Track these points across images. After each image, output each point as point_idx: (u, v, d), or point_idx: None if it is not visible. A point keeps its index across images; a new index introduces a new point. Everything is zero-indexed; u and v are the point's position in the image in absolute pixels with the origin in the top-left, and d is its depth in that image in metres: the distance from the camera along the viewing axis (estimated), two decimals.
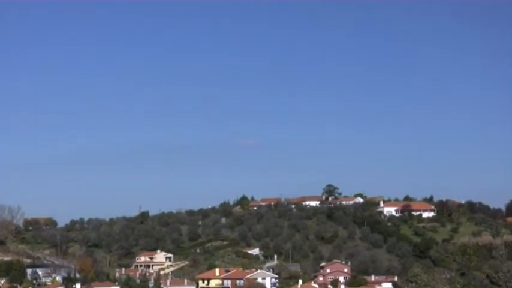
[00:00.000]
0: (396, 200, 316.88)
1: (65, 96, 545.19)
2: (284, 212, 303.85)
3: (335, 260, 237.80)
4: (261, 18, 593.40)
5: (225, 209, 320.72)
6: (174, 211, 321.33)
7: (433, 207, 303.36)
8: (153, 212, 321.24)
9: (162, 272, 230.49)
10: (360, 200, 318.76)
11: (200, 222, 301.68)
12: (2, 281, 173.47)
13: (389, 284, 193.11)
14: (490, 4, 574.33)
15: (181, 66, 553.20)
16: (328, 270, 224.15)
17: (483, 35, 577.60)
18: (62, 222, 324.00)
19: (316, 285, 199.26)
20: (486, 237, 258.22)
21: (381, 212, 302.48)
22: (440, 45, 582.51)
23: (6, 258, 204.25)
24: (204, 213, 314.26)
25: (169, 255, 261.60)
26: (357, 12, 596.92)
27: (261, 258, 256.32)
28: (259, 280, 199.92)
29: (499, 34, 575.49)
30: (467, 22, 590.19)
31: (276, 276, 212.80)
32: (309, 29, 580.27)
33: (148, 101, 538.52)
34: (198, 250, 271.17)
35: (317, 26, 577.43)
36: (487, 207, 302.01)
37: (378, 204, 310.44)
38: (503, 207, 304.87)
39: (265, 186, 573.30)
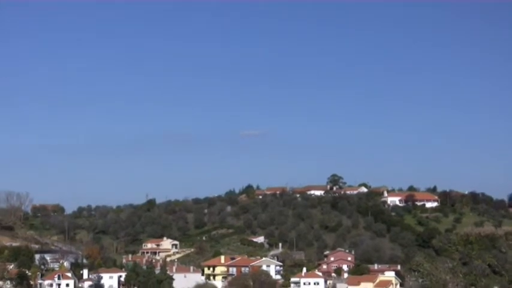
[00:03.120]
0: (400, 190, 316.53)
1: (72, 88, 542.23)
2: (289, 201, 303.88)
3: (339, 249, 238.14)
4: (269, 13, 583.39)
5: (230, 197, 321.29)
6: (181, 199, 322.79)
7: (436, 197, 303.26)
8: (159, 200, 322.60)
9: (168, 259, 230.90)
10: (364, 189, 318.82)
11: (206, 211, 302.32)
12: (11, 266, 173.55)
13: (392, 273, 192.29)
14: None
15: (190, 59, 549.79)
16: (332, 259, 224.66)
17: (485, 31, 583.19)
18: (69, 209, 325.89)
19: (320, 273, 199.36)
20: (488, 228, 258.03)
21: (385, 202, 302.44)
22: (439, 37, 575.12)
23: (14, 244, 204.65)
24: (209, 202, 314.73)
25: (176, 242, 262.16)
26: (356, 10, 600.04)
27: (266, 246, 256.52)
28: (264, 268, 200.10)
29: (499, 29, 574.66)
30: (460, 17, 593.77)
31: (281, 264, 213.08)
32: (313, 24, 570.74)
33: (156, 92, 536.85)
34: (203, 238, 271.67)
35: (320, 23, 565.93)
36: (489, 198, 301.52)
37: (382, 194, 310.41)
38: (505, 198, 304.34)
39: (271, 175, 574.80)
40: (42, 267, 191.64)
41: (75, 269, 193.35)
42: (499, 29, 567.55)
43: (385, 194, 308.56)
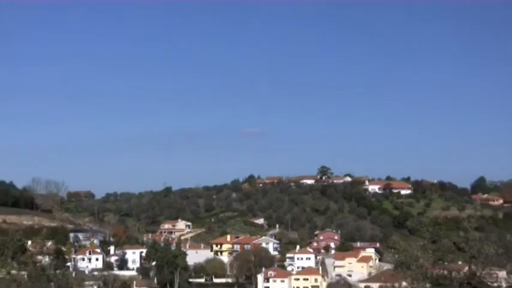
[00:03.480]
0: (379, 179, 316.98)
1: (101, 88, 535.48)
2: (285, 189, 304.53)
3: (327, 229, 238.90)
4: (266, 17, 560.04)
5: (235, 185, 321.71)
6: (193, 187, 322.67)
7: (409, 185, 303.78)
8: (175, 187, 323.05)
9: (182, 238, 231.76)
10: (348, 179, 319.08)
11: (215, 197, 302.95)
12: (49, 243, 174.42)
13: (372, 250, 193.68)
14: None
15: (195, 61, 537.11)
16: (321, 238, 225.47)
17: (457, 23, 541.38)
18: (99, 195, 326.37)
19: (311, 250, 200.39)
20: (453, 212, 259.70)
21: (366, 190, 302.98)
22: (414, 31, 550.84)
23: (52, 224, 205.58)
24: (217, 189, 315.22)
25: (189, 223, 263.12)
26: (348, 11, 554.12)
27: (265, 226, 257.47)
28: (264, 245, 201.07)
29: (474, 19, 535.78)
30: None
31: (278, 241, 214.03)
32: (307, 27, 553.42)
33: (171, 94, 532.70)
34: (212, 220, 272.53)
35: (313, 25, 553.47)
36: (455, 186, 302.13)
37: (364, 182, 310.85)
38: (468, 187, 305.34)
39: (269, 167, 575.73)
40: (76, 244, 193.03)
41: (104, 246, 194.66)
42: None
43: (366, 182, 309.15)
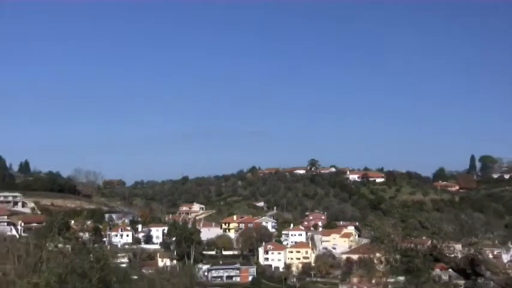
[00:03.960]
0: (358, 169, 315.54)
1: (134, 91, 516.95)
2: (281, 178, 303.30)
3: (315, 211, 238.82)
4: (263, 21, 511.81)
5: (240, 175, 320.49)
6: (206, 176, 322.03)
7: (383, 175, 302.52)
8: (191, 176, 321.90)
9: (197, 218, 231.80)
10: (333, 169, 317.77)
11: (223, 184, 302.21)
12: (88, 222, 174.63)
13: (353, 227, 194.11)
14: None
15: (196, 65, 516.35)
16: (310, 218, 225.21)
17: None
18: (129, 183, 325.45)
19: (302, 228, 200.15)
20: (419, 196, 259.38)
21: (347, 178, 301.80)
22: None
23: (91, 207, 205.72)
24: (226, 178, 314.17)
25: (202, 206, 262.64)
26: (335, 11, 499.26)
27: (265, 209, 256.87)
28: (263, 224, 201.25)
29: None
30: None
31: (275, 221, 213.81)
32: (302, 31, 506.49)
33: (191, 97, 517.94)
34: (221, 203, 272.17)
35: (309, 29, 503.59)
36: (419, 175, 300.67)
37: (345, 173, 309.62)
38: (430, 176, 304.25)
39: (268, 159, 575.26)
40: (110, 223, 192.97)
41: (133, 224, 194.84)
42: None
43: (348, 172, 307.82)
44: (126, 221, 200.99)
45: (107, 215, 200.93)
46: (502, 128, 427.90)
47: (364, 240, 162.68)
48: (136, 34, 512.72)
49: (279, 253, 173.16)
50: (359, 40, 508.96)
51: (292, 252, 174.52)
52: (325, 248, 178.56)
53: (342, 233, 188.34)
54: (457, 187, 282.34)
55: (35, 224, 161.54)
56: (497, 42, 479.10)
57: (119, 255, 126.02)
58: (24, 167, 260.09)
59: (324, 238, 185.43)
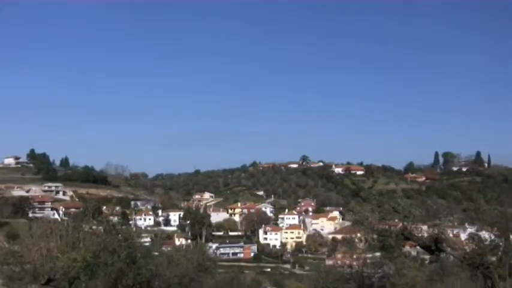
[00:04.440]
0: (342, 164, 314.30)
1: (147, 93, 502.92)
2: (278, 171, 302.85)
3: (306, 198, 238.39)
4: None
5: (243, 168, 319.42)
6: (215, 169, 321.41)
7: (362, 168, 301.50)
8: (202, 170, 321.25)
9: (207, 204, 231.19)
10: (321, 164, 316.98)
11: (230, 176, 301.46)
12: (117, 208, 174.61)
13: (337, 212, 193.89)
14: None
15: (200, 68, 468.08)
16: (302, 204, 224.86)
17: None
18: (151, 175, 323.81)
19: (296, 212, 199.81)
20: (392, 186, 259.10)
21: (333, 171, 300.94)
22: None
23: (119, 195, 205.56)
24: (231, 171, 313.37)
25: (212, 194, 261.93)
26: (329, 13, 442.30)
27: (264, 197, 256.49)
28: (263, 209, 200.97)
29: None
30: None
31: (273, 207, 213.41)
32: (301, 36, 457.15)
33: (206, 101, 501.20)
34: (228, 192, 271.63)
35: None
36: (393, 168, 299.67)
37: (331, 166, 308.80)
38: (402, 169, 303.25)
39: (267, 155, 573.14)
40: (135, 208, 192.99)
41: (154, 210, 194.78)
42: None
43: (333, 166, 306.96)
44: (149, 207, 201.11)
45: (132, 202, 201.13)
46: (461, 128, 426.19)
47: (347, 223, 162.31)
48: (146, 32, 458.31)
49: (276, 234, 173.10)
50: (347, 41, 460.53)
51: (287, 232, 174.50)
52: (315, 229, 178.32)
53: (329, 216, 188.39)
54: (424, 178, 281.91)
55: (73, 209, 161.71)
56: (465, 44, 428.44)
57: (143, 235, 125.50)
58: (65, 162, 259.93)
59: (314, 221, 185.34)
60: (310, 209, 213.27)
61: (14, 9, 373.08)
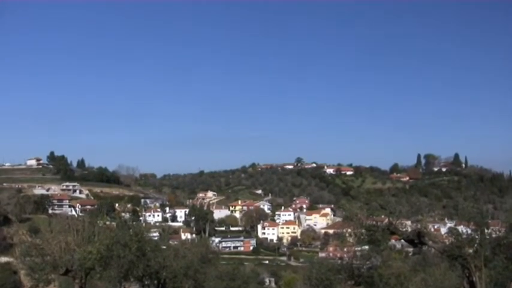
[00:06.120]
0: (333, 165, 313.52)
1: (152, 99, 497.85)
2: (274, 171, 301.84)
3: (301, 196, 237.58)
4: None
5: (243, 169, 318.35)
6: (217, 170, 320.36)
7: (352, 169, 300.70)
8: (206, 170, 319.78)
9: (210, 202, 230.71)
10: (314, 165, 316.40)
11: (231, 176, 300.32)
12: (129, 205, 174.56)
13: (329, 209, 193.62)
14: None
15: (202, 72, 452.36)
16: (297, 202, 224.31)
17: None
18: (159, 175, 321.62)
19: (291, 209, 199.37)
20: (379, 185, 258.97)
21: (325, 172, 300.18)
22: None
23: (130, 194, 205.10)
24: (232, 172, 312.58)
25: (215, 193, 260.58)
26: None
27: (262, 195, 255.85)
28: (261, 206, 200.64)
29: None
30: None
31: (270, 204, 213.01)
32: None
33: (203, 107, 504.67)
34: (229, 191, 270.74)
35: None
36: (379, 169, 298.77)
37: (324, 167, 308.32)
38: (388, 169, 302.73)
39: (265, 157, 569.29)
40: (145, 206, 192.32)
41: (162, 207, 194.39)
42: None
43: (325, 167, 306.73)
44: (157, 204, 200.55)
45: (142, 200, 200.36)
46: (441, 132, 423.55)
47: (338, 219, 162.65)
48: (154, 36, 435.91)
49: (273, 229, 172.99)
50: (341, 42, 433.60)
51: (283, 228, 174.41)
52: (308, 225, 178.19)
53: (321, 213, 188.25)
54: (407, 178, 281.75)
55: (89, 207, 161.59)
56: (445, 49, 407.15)
57: (152, 230, 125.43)
58: (81, 163, 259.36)
59: (307, 217, 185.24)
60: (304, 206, 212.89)
61: (26, 11, 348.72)
